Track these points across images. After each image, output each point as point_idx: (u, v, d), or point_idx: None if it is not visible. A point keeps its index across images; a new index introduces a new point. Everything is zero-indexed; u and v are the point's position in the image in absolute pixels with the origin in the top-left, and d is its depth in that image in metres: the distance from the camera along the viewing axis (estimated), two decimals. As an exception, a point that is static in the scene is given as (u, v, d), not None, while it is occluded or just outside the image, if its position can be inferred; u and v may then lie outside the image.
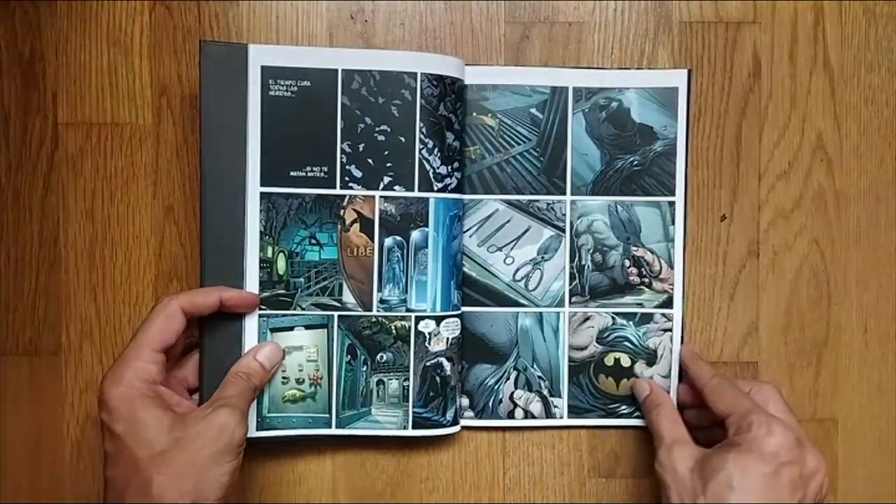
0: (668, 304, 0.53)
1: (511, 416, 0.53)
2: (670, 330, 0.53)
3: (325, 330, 0.50)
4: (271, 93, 0.49)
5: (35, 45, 0.52)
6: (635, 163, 0.53)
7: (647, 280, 0.53)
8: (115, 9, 0.52)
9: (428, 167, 0.50)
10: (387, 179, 0.50)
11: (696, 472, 0.44)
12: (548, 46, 0.53)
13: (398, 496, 0.53)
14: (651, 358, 0.53)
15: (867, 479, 0.55)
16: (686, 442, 0.47)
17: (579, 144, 0.53)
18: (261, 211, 0.49)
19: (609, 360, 0.53)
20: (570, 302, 0.53)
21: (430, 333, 0.51)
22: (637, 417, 0.53)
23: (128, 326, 0.52)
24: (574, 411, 0.54)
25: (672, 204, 0.53)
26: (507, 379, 0.53)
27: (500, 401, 0.53)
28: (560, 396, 0.53)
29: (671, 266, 0.53)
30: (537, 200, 0.53)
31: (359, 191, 0.50)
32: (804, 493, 0.43)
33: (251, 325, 0.49)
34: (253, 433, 0.49)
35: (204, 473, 0.41)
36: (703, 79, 0.54)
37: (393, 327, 0.51)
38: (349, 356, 0.51)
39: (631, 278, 0.53)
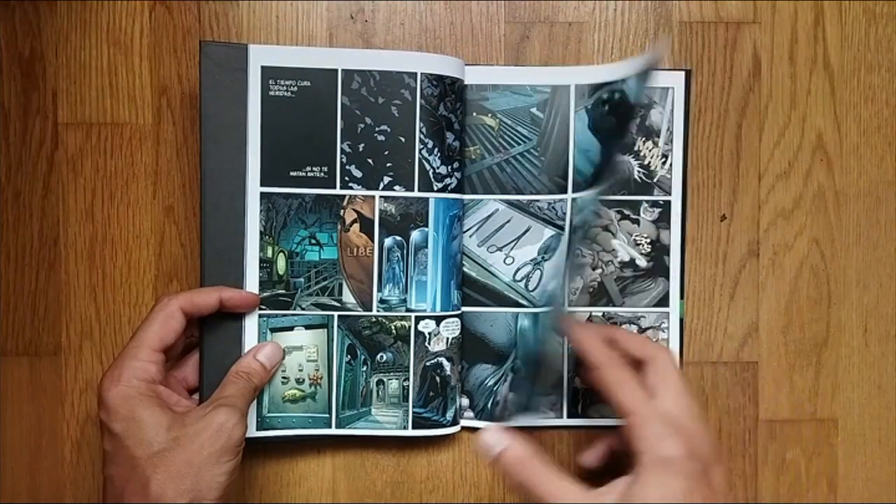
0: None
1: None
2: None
3: (325, 330, 0.50)
4: (271, 93, 0.49)
5: (35, 45, 0.52)
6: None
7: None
8: (115, 9, 0.52)
9: (428, 167, 0.50)
10: (387, 179, 0.50)
11: None
12: (548, 46, 0.53)
13: (398, 496, 0.53)
14: (651, 358, 0.53)
15: (867, 479, 0.55)
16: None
17: (581, 141, 0.53)
18: (261, 211, 0.49)
19: (609, 360, 0.53)
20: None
21: (430, 333, 0.51)
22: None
23: (128, 326, 0.52)
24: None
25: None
26: (507, 379, 0.53)
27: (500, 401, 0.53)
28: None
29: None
30: (538, 200, 0.53)
31: (359, 191, 0.50)
32: (709, 487, 0.40)
33: (251, 325, 0.49)
34: (253, 433, 0.49)
35: (202, 473, 0.41)
36: (703, 79, 0.54)
37: (393, 327, 0.51)
38: (349, 356, 0.51)
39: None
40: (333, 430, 0.51)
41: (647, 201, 0.53)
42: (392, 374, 0.51)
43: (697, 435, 0.42)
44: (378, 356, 0.51)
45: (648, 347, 0.46)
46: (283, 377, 0.50)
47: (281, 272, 0.50)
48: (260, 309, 0.49)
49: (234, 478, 0.43)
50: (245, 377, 0.47)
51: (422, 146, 0.50)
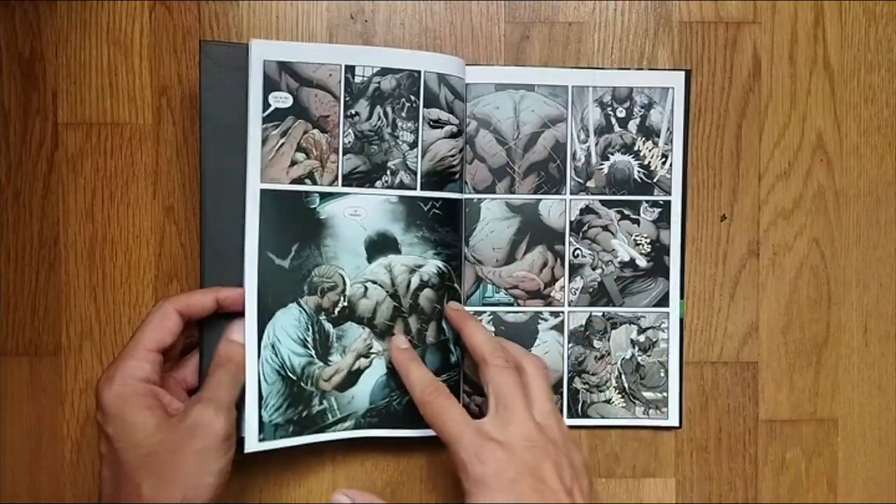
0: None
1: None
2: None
3: (325, 330, 0.50)
4: (271, 93, 0.49)
5: (35, 45, 0.52)
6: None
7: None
8: (115, 9, 0.52)
9: (428, 167, 0.50)
10: (387, 179, 0.50)
11: None
12: (548, 46, 0.53)
13: (398, 496, 0.53)
14: (651, 358, 0.53)
15: (867, 479, 0.55)
16: None
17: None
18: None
19: (609, 360, 0.54)
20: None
21: (430, 333, 0.51)
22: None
23: (128, 326, 0.52)
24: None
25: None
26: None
27: (500, 401, 0.53)
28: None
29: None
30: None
31: (359, 191, 0.50)
32: (542, 487, 0.41)
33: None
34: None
35: (189, 476, 0.41)
36: (703, 79, 0.54)
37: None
38: (349, 356, 0.51)
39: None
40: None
41: (647, 201, 0.53)
42: (392, 374, 0.51)
43: (514, 442, 0.42)
44: (378, 356, 0.51)
45: (481, 349, 0.46)
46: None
47: (281, 272, 0.50)
48: (260, 309, 0.49)
49: (226, 479, 0.43)
50: (223, 361, 0.45)
51: (422, 146, 0.50)
